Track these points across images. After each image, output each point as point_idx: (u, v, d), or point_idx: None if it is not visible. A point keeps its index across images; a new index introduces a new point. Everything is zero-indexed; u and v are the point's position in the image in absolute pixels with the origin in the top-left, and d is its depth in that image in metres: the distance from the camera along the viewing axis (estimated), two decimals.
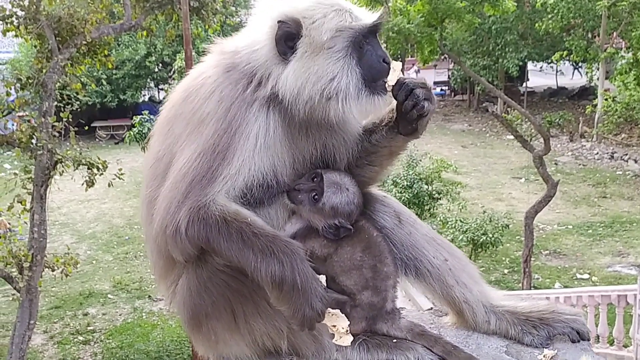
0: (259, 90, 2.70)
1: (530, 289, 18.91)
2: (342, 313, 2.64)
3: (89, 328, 19.58)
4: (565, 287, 19.68)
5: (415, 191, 22.32)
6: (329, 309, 2.60)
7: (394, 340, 2.81)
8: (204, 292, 2.73)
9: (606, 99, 31.06)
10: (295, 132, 2.79)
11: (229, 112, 2.67)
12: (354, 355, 2.78)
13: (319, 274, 2.61)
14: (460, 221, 21.44)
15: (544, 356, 2.82)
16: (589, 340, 2.92)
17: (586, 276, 21.71)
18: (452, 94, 48.57)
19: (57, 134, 15.04)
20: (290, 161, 2.80)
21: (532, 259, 20.80)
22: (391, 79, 2.73)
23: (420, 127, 2.80)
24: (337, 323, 2.62)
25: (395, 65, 2.76)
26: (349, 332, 2.63)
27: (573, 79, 46.85)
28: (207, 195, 2.60)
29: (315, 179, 2.79)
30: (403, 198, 22.06)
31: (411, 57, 44.69)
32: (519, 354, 2.86)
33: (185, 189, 2.61)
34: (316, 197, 2.76)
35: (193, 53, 16.81)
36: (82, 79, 16.86)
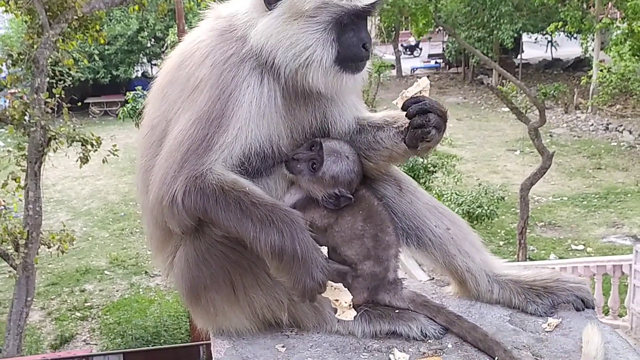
0: (250, 54, 2.64)
1: (525, 261, 19.01)
2: (344, 284, 2.60)
3: (86, 304, 19.64)
4: (561, 258, 19.79)
5: (411, 164, 22.27)
6: (331, 282, 2.55)
7: (397, 311, 2.78)
8: (202, 264, 2.69)
9: (601, 70, 30.88)
10: (293, 99, 2.73)
11: (222, 77, 2.61)
12: (355, 326, 2.75)
13: (320, 245, 2.56)
14: (456, 194, 21.46)
15: (548, 325, 2.79)
16: (593, 308, 2.90)
17: (581, 247, 21.82)
18: (447, 66, 48.33)
19: (50, 111, 14.92)
20: (288, 130, 2.75)
21: (527, 230, 20.87)
22: (410, 90, 2.68)
23: (422, 149, 2.73)
24: (340, 297, 2.58)
25: (422, 82, 2.70)
26: (351, 306, 2.59)
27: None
28: (204, 164, 2.55)
29: (314, 148, 2.73)
30: None
31: (406, 29, 44.45)
32: (522, 323, 2.83)
33: (181, 158, 2.56)
34: (315, 166, 2.70)
35: (186, 27, 16.63)
36: (74, 55, 16.67)
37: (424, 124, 2.62)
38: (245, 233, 2.49)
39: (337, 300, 2.59)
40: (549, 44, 44.07)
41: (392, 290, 2.80)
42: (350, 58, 2.62)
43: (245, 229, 2.48)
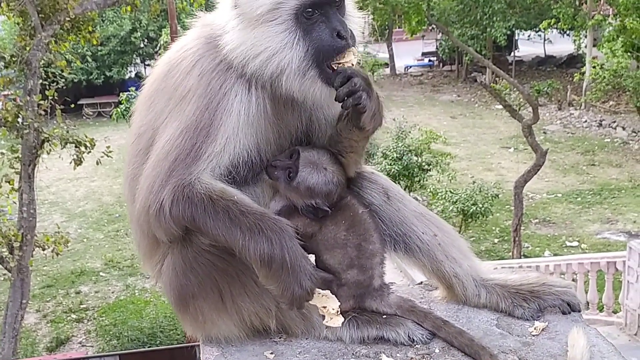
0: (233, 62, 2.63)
1: (520, 258, 19.07)
2: (331, 292, 2.61)
3: (81, 306, 19.64)
4: (555, 255, 19.84)
5: (405, 163, 22.36)
6: (318, 290, 2.56)
7: (384, 317, 2.80)
8: (189, 272, 2.69)
9: (594, 67, 30.95)
10: (280, 105, 2.72)
11: (210, 86, 2.60)
12: (343, 332, 2.76)
13: (308, 253, 2.57)
14: (450, 192, 21.53)
15: (534, 328, 2.81)
16: (579, 311, 2.92)
17: (575, 244, 21.91)
18: (441, 64, 48.37)
19: (43, 113, 14.88)
20: (276, 136, 2.74)
21: (522, 227, 20.94)
22: (346, 61, 2.54)
23: (364, 123, 2.59)
24: (327, 304, 2.59)
25: (353, 50, 2.57)
26: (339, 313, 2.59)
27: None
28: (192, 173, 2.55)
29: (293, 156, 2.70)
30: (393, 170, 22.11)
31: (399, 28, 44.43)
32: (509, 327, 2.85)
33: (169, 167, 2.56)
34: (291, 175, 2.68)
35: (178, 27, 16.64)
36: (66, 56, 16.67)
37: (351, 91, 2.50)
38: (234, 242, 2.49)
39: (324, 307, 2.60)
40: (545, 40, 44.15)
41: (378, 297, 2.81)
42: (325, 52, 2.53)
43: (234, 237, 2.49)
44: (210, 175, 2.59)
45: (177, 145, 2.58)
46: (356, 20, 2.70)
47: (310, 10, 2.53)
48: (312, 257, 2.57)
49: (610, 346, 2.68)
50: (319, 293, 2.57)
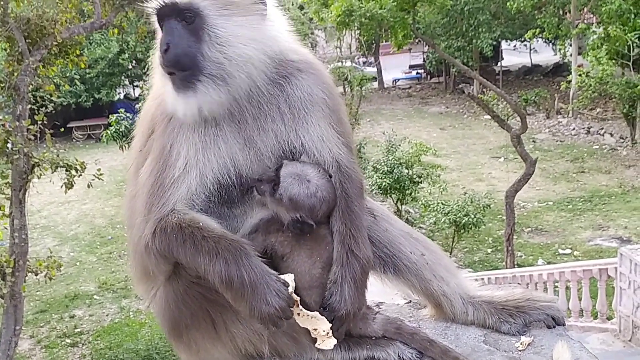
0: None
1: (514, 267, 19.11)
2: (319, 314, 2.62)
3: (76, 330, 19.52)
4: (548, 263, 19.90)
5: (396, 176, 22.43)
6: (307, 312, 2.58)
7: (373, 338, 2.84)
8: (181, 304, 2.73)
9: (580, 75, 31.29)
10: (242, 126, 2.69)
11: (164, 112, 2.67)
12: (335, 354, 2.79)
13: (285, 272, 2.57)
14: (442, 203, 21.59)
15: (521, 343, 2.87)
16: (564, 325, 2.98)
17: (568, 251, 21.99)
18: (428, 76, 48.69)
19: (32, 137, 14.85)
20: (253, 157, 2.72)
21: (515, 237, 21.01)
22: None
23: None
24: (318, 326, 2.59)
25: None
26: (330, 335, 2.60)
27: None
28: (166, 205, 2.60)
29: (277, 170, 2.69)
30: (384, 184, 22.20)
31: (385, 42, 44.72)
32: (496, 343, 2.91)
33: (146, 200, 2.63)
34: (275, 187, 2.65)
35: None
36: (55, 80, 16.65)
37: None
38: (199, 267, 2.53)
39: (315, 330, 2.61)
40: (531, 50, 44.52)
41: (362, 324, 2.83)
42: (163, 68, 2.58)
43: (198, 263, 2.52)
44: (185, 204, 2.62)
45: (148, 176, 2.66)
46: (224, 28, 2.56)
47: (160, 22, 2.60)
48: (290, 277, 2.55)
49: (594, 358, 2.73)
50: (309, 315, 2.58)
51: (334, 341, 2.63)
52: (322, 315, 2.62)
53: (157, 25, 2.65)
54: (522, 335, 2.93)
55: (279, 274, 2.55)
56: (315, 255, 2.68)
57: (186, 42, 2.51)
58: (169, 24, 2.53)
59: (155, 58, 2.69)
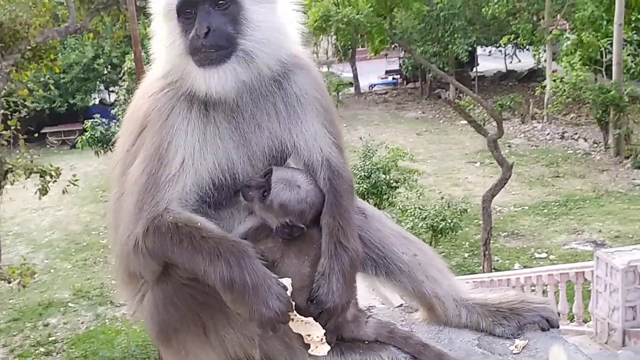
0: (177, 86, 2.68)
1: (491, 272, 19.22)
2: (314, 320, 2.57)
3: (50, 339, 19.22)
4: (525, 267, 20.04)
5: (373, 181, 22.44)
6: (301, 317, 2.53)
7: (366, 342, 2.79)
8: (171, 307, 2.67)
9: (554, 80, 31.69)
10: (239, 123, 2.70)
11: (159, 110, 2.64)
12: (327, 359, 2.73)
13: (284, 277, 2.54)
14: (419, 208, 21.65)
15: (515, 347, 2.84)
16: (558, 327, 2.96)
17: (544, 255, 22.18)
18: (405, 82, 48.88)
19: (5, 143, 14.66)
20: (245, 157, 2.71)
21: (491, 241, 21.15)
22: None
23: None
24: (312, 332, 2.55)
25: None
26: (324, 341, 2.56)
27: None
28: (160, 204, 2.55)
29: (266, 175, 2.67)
30: (361, 189, 22.18)
31: (362, 47, 44.88)
32: (490, 346, 2.88)
33: (137, 199, 2.57)
34: (265, 193, 2.63)
35: (142, 54, 16.52)
36: (28, 85, 16.48)
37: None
38: (197, 268, 2.48)
39: (309, 336, 2.56)
40: (509, 55, 44.99)
41: (355, 327, 2.79)
42: (191, 50, 2.58)
43: (197, 264, 2.47)
44: (179, 204, 2.59)
45: (140, 175, 2.60)
46: (257, 13, 2.64)
47: (188, 9, 2.60)
48: (287, 280, 2.52)
49: None
50: (302, 320, 2.54)
51: (327, 347, 2.59)
52: (309, 308, 2.57)
53: (167, 13, 2.66)
54: (517, 338, 2.90)
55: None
56: (304, 255, 2.66)
57: (224, 24, 2.57)
58: (204, 9, 2.56)
59: (160, 47, 2.72)
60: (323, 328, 2.58)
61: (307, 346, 2.60)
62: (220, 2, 2.57)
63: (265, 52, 2.62)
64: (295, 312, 2.53)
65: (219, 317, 2.65)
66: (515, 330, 2.94)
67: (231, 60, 2.57)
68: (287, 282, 2.52)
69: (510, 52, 44.34)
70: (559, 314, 13.68)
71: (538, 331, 2.94)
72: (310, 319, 2.56)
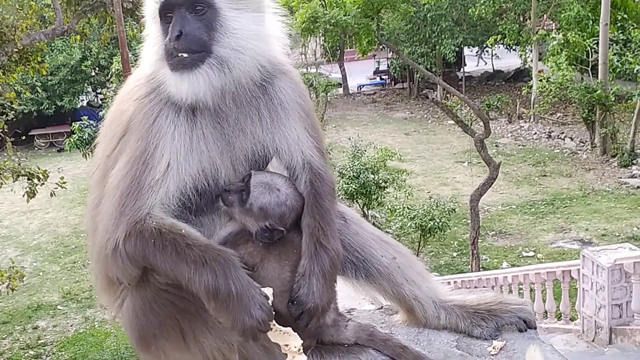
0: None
1: (479, 271, 19.30)
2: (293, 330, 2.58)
3: (39, 342, 19.14)
4: (513, 265, 20.14)
5: (362, 181, 22.52)
6: (280, 327, 2.54)
7: (346, 345, 2.82)
8: (149, 313, 2.67)
9: (541, 80, 31.86)
10: (225, 128, 2.70)
11: (145, 114, 2.64)
12: None
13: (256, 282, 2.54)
14: (408, 208, 21.73)
15: (493, 348, 2.88)
16: (535, 328, 3.00)
17: (532, 254, 22.29)
18: (393, 82, 48.97)
19: None
20: (228, 162, 2.72)
21: (479, 240, 21.23)
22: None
23: None
24: (289, 342, 2.55)
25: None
26: (301, 351, 2.56)
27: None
28: (142, 209, 2.54)
29: (245, 179, 2.68)
30: (350, 189, 22.27)
31: (350, 48, 44.95)
32: (469, 348, 2.92)
33: (119, 203, 2.56)
34: (244, 197, 2.63)
35: (130, 55, 16.50)
36: (15, 88, 16.41)
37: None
38: (181, 276, 2.48)
39: (286, 345, 2.56)
40: (493, 56, 45.17)
41: (334, 332, 2.81)
42: (166, 54, 2.59)
43: (181, 271, 2.47)
44: (161, 209, 2.58)
45: (123, 178, 2.59)
46: (234, 20, 2.63)
47: (170, 14, 2.61)
48: (269, 290, 2.53)
49: None
50: (280, 330, 2.54)
51: (304, 358, 2.58)
52: (290, 310, 2.58)
53: (153, 17, 2.68)
54: (494, 339, 2.94)
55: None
56: (284, 259, 2.67)
57: (197, 29, 2.57)
58: (180, 14, 2.58)
59: (147, 50, 2.74)
60: (303, 330, 2.60)
61: (285, 356, 2.59)
62: (198, 7, 2.58)
63: (242, 59, 2.61)
64: (274, 321, 2.53)
65: (198, 323, 2.65)
66: (493, 331, 2.97)
67: (204, 65, 2.56)
68: (268, 291, 2.52)
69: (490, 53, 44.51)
70: (546, 313, 13.85)
71: (516, 332, 2.98)
72: (289, 329, 2.56)
